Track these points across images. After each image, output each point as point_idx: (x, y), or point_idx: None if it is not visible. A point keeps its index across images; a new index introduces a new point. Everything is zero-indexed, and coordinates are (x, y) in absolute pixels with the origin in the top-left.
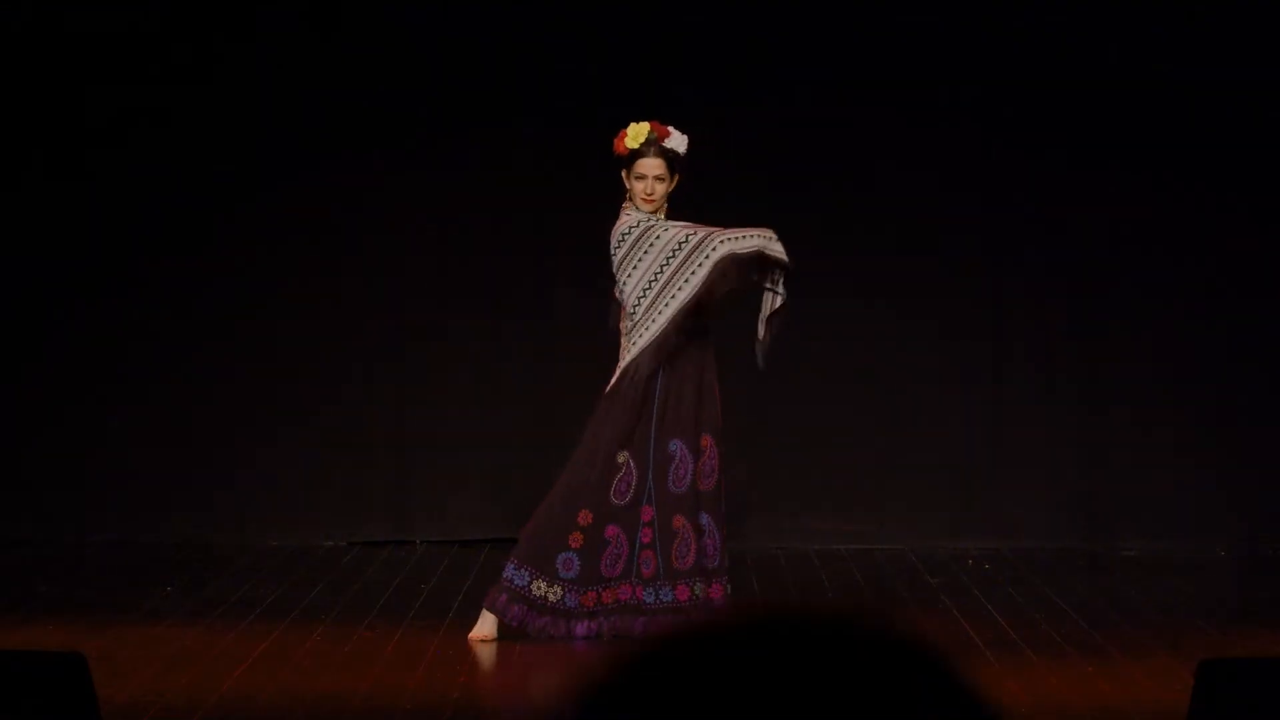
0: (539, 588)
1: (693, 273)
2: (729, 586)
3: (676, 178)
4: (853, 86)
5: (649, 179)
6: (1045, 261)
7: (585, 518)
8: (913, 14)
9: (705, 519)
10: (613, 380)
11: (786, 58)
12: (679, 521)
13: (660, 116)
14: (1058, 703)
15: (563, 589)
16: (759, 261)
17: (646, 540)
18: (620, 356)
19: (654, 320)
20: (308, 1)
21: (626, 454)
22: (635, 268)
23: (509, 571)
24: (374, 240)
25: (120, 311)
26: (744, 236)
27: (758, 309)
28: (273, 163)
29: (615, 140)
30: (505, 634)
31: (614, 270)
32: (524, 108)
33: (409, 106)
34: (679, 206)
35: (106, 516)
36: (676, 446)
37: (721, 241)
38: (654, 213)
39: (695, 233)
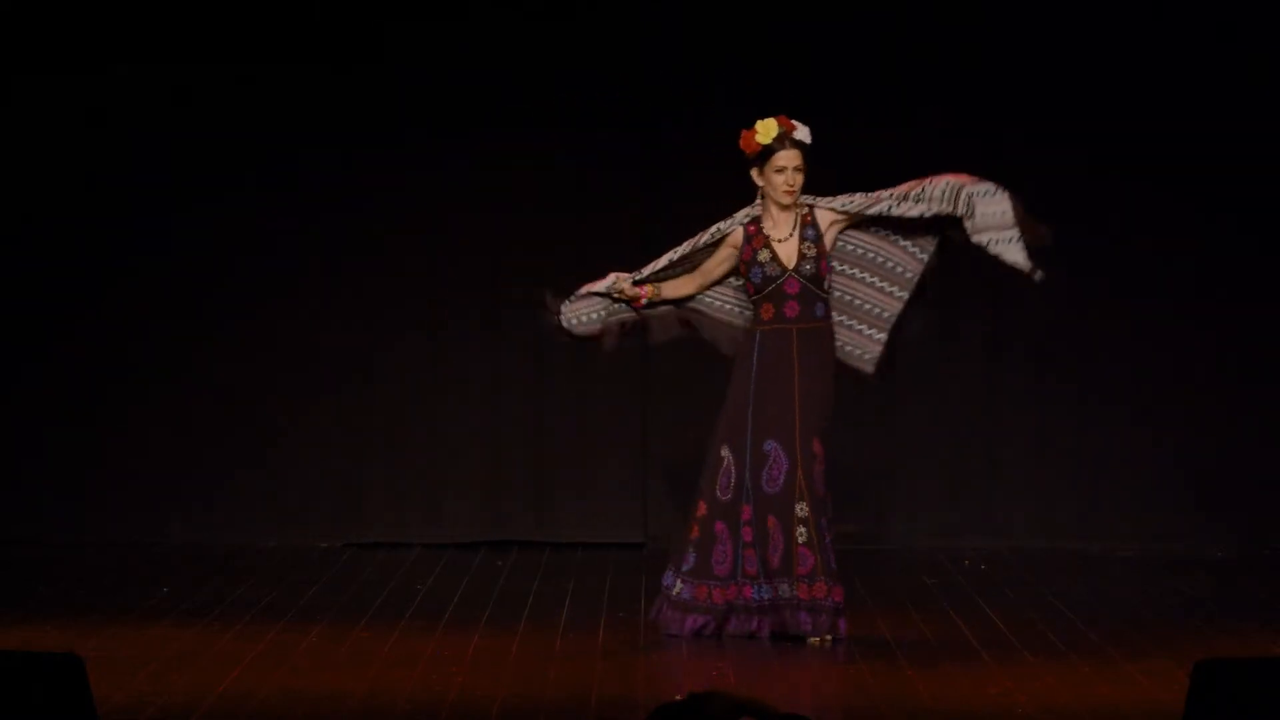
0: (668, 579)
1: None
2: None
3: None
4: (846, 87)
5: (789, 170)
6: (1040, 262)
7: (699, 509)
8: (909, 17)
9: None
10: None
11: (781, 62)
12: (771, 521)
13: (658, 119)
14: (1054, 703)
15: (682, 583)
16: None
17: (748, 539)
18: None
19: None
20: (304, 2)
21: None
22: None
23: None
24: (369, 245)
25: (117, 315)
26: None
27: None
28: (271, 166)
29: (743, 139)
30: (504, 635)
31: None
32: (519, 110)
33: (405, 109)
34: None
35: (104, 518)
36: (771, 446)
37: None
38: (788, 208)
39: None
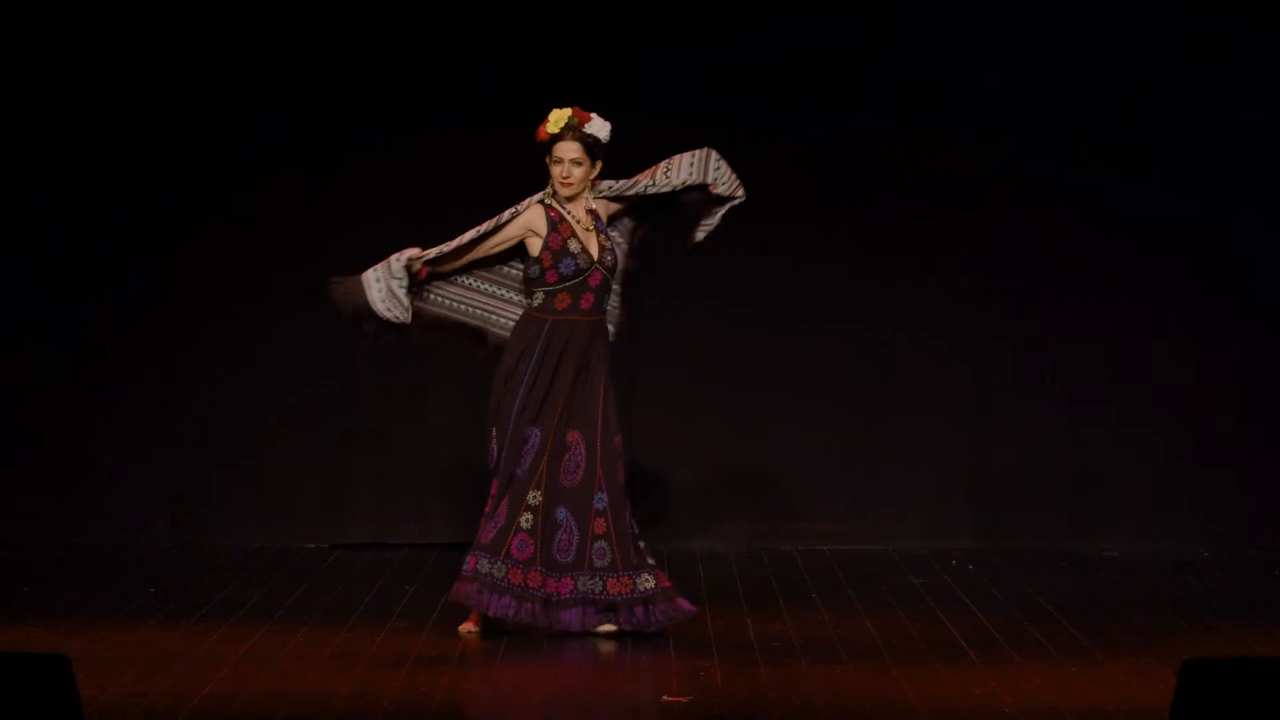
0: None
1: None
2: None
3: (598, 165)
4: (845, 86)
5: (565, 162)
6: (1027, 262)
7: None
8: (901, 18)
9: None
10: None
11: (779, 61)
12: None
13: (645, 122)
14: (1041, 703)
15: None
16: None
17: (532, 526)
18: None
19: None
20: (298, 1)
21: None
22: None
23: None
24: (354, 245)
25: (102, 315)
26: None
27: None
28: (256, 168)
29: (538, 128)
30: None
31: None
32: (514, 110)
33: (395, 109)
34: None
35: (90, 519)
36: (575, 437)
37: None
38: (572, 198)
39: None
